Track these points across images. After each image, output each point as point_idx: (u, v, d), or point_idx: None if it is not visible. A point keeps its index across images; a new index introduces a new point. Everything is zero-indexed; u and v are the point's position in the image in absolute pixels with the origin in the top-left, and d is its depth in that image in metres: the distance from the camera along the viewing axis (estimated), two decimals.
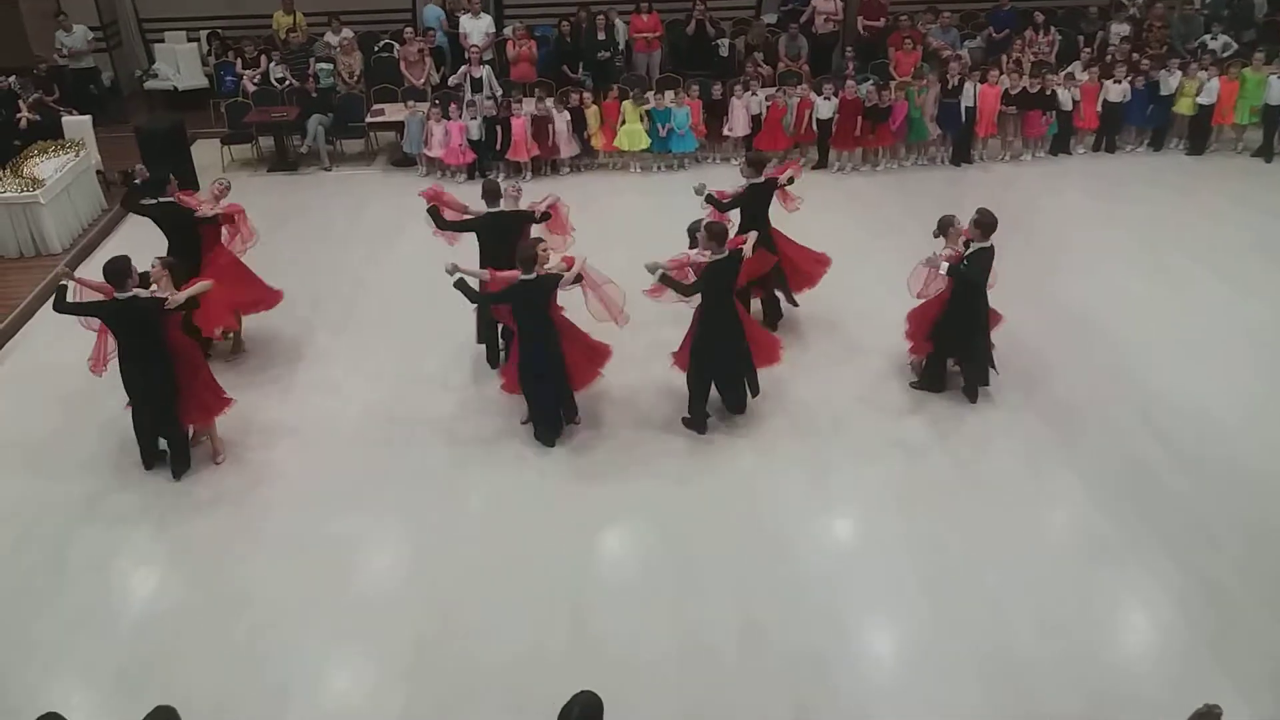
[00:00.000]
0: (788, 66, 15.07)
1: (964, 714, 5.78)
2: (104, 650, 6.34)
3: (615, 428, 8.33)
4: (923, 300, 8.40)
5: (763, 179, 9.04)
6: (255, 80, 15.00)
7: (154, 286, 7.64)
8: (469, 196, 9.41)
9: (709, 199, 8.73)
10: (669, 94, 13.85)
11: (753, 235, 8.18)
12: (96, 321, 7.69)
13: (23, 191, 11.40)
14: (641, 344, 8.97)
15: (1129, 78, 13.76)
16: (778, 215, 9.25)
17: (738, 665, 6.12)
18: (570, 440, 8.19)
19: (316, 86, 14.41)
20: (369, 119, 14.44)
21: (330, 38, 15.19)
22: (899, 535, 7.13)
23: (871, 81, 13.75)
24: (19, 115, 13.47)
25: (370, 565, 7.08)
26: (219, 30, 16.42)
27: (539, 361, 7.86)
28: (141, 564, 7.16)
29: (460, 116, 13.46)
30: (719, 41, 15.68)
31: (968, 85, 13.48)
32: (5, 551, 7.19)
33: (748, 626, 6.38)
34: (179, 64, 16.61)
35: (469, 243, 8.85)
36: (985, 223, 7.90)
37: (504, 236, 8.45)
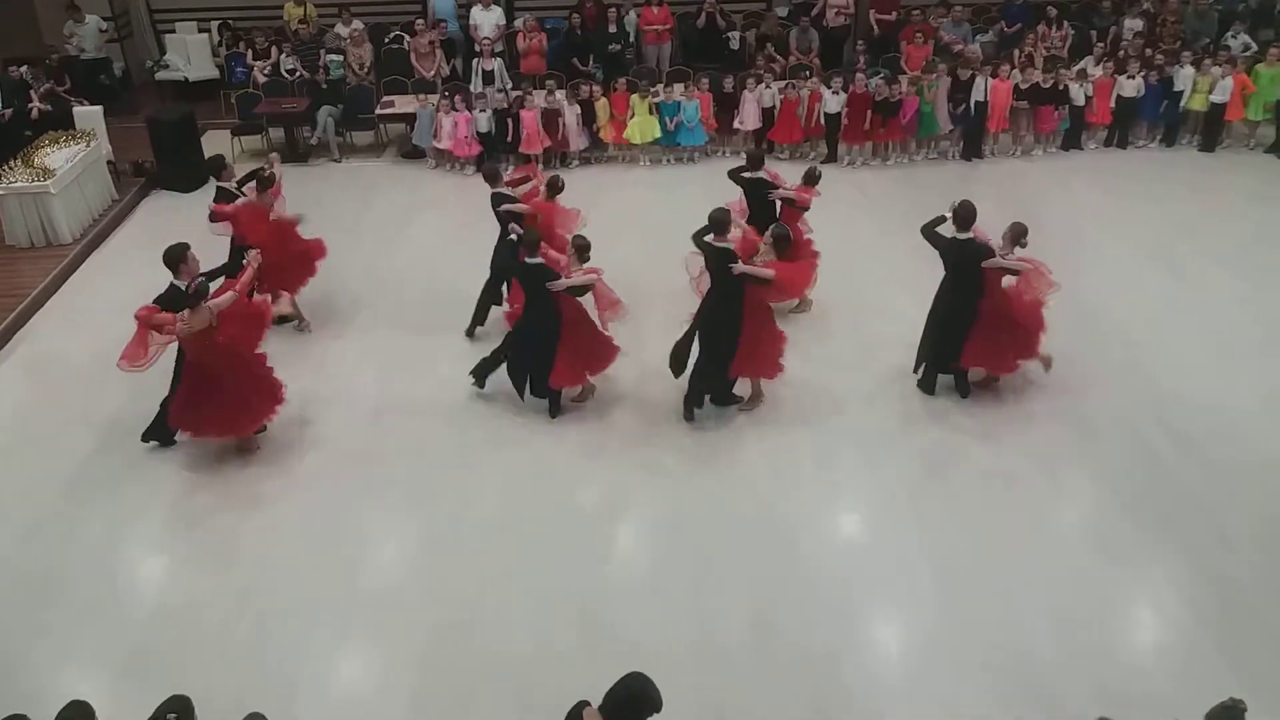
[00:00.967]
0: (799, 60, 15.03)
1: (976, 712, 5.77)
2: (113, 640, 6.36)
3: (627, 425, 8.32)
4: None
5: (762, 174, 9.13)
6: (266, 71, 14.99)
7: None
8: (477, 189, 9.40)
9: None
10: (678, 87, 13.81)
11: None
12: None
13: (34, 181, 11.41)
14: (654, 339, 8.95)
15: (1142, 73, 13.69)
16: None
17: (750, 662, 6.12)
18: (581, 436, 8.18)
19: (327, 78, 14.41)
20: (379, 111, 14.43)
21: (340, 29, 15.17)
22: (911, 533, 7.11)
23: (881, 75, 13.70)
24: (30, 105, 13.50)
25: (379, 558, 7.08)
26: (230, 21, 16.43)
27: (523, 334, 8.10)
28: (150, 554, 7.18)
29: (466, 108, 13.44)
30: (729, 34, 15.65)
31: (979, 80, 13.42)
32: (15, 541, 7.22)
33: (760, 623, 6.37)
34: (190, 55, 16.60)
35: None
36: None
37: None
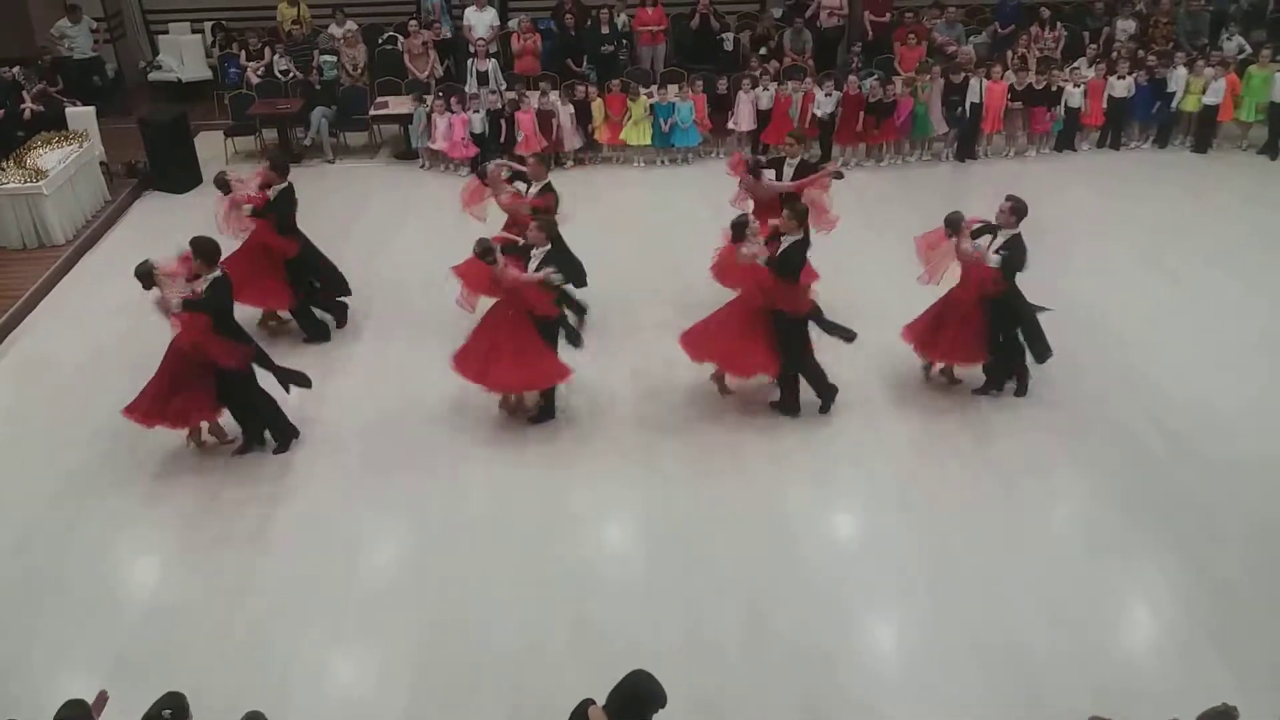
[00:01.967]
0: (793, 61, 15.04)
1: (970, 709, 5.78)
2: (107, 642, 6.34)
3: (620, 425, 8.32)
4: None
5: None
6: (259, 72, 14.96)
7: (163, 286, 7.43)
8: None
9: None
10: (673, 88, 13.83)
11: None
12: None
13: (26, 182, 11.38)
14: (648, 340, 8.96)
15: (1134, 74, 13.73)
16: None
17: (743, 660, 6.12)
18: (575, 437, 8.17)
19: (320, 79, 14.40)
20: (372, 112, 14.42)
21: (334, 30, 15.17)
22: (905, 531, 7.13)
23: (875, 77, 13.72)
24: (23, 106, 13.46)
25: (373, 559, 7.08)
26: (223, 22, 16.43)
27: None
28: (144, 556, 7.17)
29: (463, 109, 13.44)
30: (723, 36, 15.64)
31: (973, 81, 13.45)
32: (8, 543, 7.19)
33: (754, 622, 6.37)
34: (183, 55, 16.56)
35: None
36: (1019, 209, 7.88)
37: None
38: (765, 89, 13.65)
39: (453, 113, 13.42)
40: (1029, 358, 8.35)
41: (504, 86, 14.23)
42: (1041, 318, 8.27)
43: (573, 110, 13.58)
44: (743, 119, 13.72)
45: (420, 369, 8.95)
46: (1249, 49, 14.35)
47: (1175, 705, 5.53)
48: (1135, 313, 9.72)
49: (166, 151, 13.13)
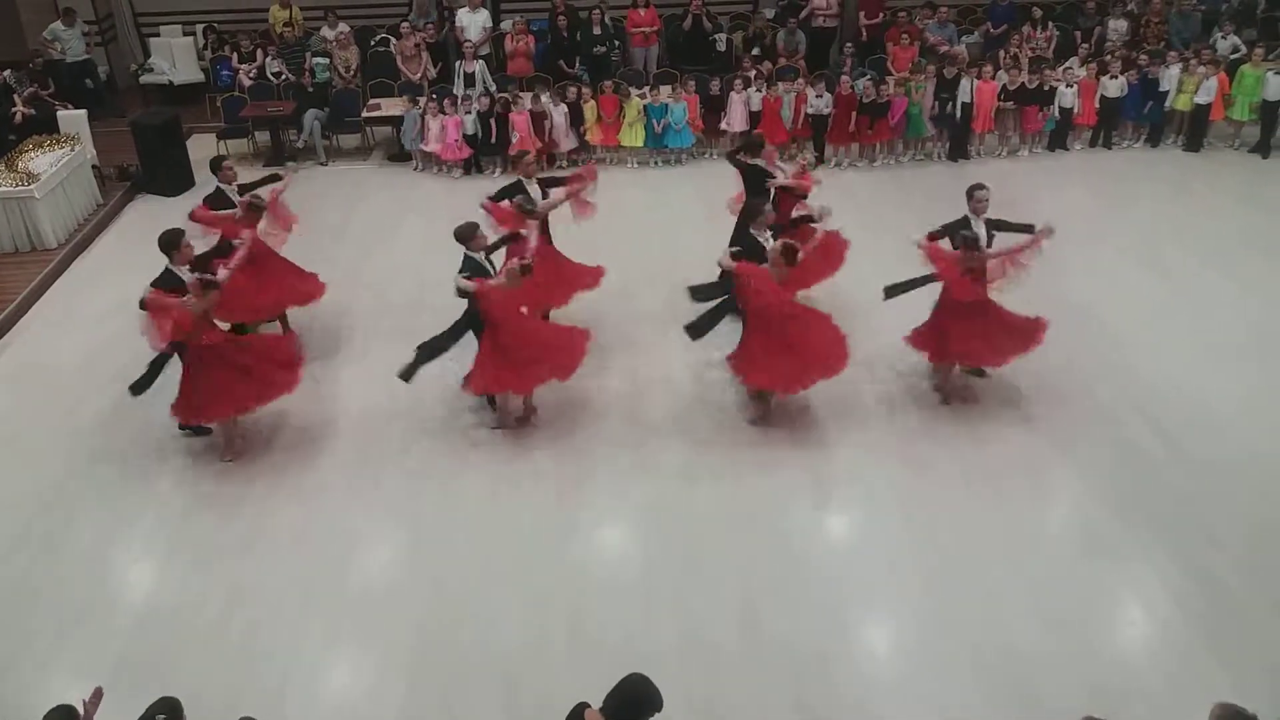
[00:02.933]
0: (786, 62, 15.04)
1: (964, 710, 5.78)
2: (101, 645, 6.33)
3: (617, 426, 8.31)
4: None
5: (760, 161, 9.13)
6: (251, 74, 14.95)
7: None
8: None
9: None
10: (665, 89, 13.83)
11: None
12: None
13: (17, 186, 11.35)
14: (644, 339, 8.96)
15: (1126, 74, 13.76)
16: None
17: (738, 660, 6.12)
18: (570, 438, 8.17)
19: (312, 81, 14.37)
20: (365, 114, 14.40)
21: (326, 32, 15.13)
22: (898, 532, 7.13)
23: (868, 77, 13.73)
24: (14, 110, 13.42)
25: (368, 560, 7.07)
26: (215, 24, 16.38)
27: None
28: (139, 559, 7.15)
29: (455, 111, 13.43)
30: (716, 36, 15.65)
31: (965, 81, 13.47)
32: (1, 547, 7.17)
33: (748, 622, 6.38)
34: (174, 58, 16.54)
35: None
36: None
37: None
38: (758, 90, 13.66)
39: (446, 115, 13.41)
40: None
41: (493, 89, 14.22)
42: (1035, 314, 8.27)
43: (566, 111, 13.57)
44: (735, 120, 13.72)
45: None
46: (1244, 48, 14.39)
47: (1170, 706, 5.57)
48: (1128, 312, 9.73)
49: (158, 154, 13.10)
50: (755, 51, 15.02)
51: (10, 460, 8.09)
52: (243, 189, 9.25)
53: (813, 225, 8.35)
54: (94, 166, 12.99)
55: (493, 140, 13.46)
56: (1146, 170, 13.49)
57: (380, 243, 11.68)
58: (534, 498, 7.54)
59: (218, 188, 9.28)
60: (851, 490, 7.61)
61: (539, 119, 13.43)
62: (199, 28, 16.52)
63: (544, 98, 13.50)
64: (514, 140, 13.33)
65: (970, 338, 8.04)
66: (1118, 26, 15.35)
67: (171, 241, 7.60)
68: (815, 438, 8.11)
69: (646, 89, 13.91)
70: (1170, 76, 13.72)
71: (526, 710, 5.79)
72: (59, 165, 11.90)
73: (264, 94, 14.62)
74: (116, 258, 11.29)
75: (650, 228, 11.50)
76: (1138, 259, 10.89)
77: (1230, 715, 4.28)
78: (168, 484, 7.76)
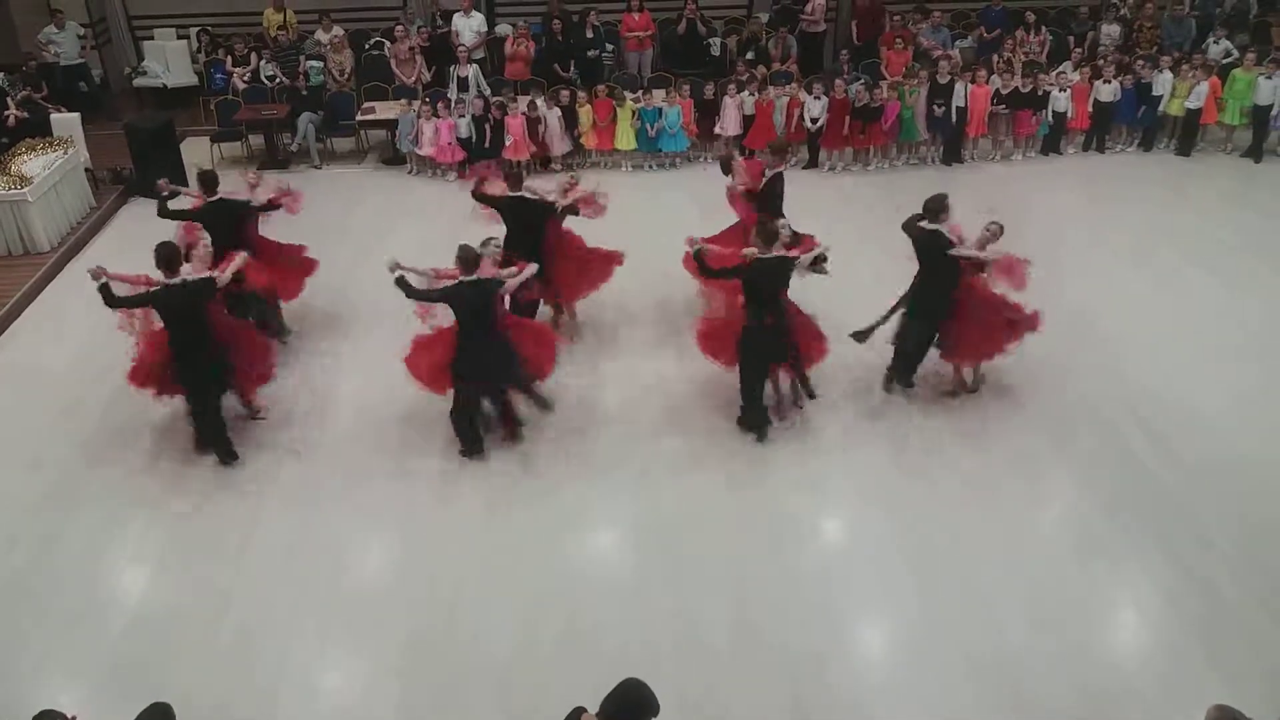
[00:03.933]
0: (779, 66, 15.06)
1: (957, 710, 5.79)
2: (94, 649, 6.31)
3: (609, 428, 8.32)
4: None
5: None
6: (245, 78, 14.94)
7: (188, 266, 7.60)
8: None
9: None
10: (659, 93, 13.85)
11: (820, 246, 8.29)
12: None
13: (10, 189, 11.32)
14: (638, 343, 8.95)
15: (1119, 78, 13.80)
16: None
17: (732, 662, 6.12)
18: (562, 440, 8.16)
19: (307, 84, 14.36)
20: (359, 117, 14.39)
21: (321, 35, 15.14)
22: (892, 533, 7.13)
23: (862, 81, 13.75)
24: (7, 113, 13.39)
25: (360, 564, 7.06)
26: (209, 28, 16.35)
27: (467, 364, 7.61)
28: (132, 563, 7.12)
29: (449, 114, 13.43)
30: (710, 41, 15.68)
31: (958, 85, 13.50)
32: None
33: (742, 624, 6.38)
34: (168, 61, 16.49)
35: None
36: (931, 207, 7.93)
37: (525, 224, 8.75)
38: (751, 94, 13.67)
39: (439, 118, 13.41)
40: None
41: (487, 92, 14.22)
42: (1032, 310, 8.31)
43: (559, 114, 13.58)
44: (729, 124, 13.74)
45: (404, 376, 8.91)
46: (1235, 53, 14.44)
47: (1163, 708, 5.57)
48: (1121, 315, 9.76)
49: (152, 158, 13.04)
50: (749, 56, 15.05)
51: (3, 464, 8.06)
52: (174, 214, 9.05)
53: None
54: (87, 170, 12.96)
55: (486, 145, 13.46)
56: (1140, 174, 13.53)
57: (374, 245, 11.62)
58: (526, 499, 7.53)
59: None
60: (845, 493, 7.61)
61: (533, 123, 13.43)
62: (193, 31, 16.48)
63: (539, 102, 13.50)
64: (508, 144, 13.34)
65: None
66: (1110, 31, 15.40)
67: (170, 259, 7.48)
68: (808, 440, 8.12)
69: (640, 93, 13.91)
70: (1163, 81, 13.77)
71: (520, 713, 5.78)
72: (52, 168, 11.87)
73: (258, 97, 14.61)
74: (110, 261, 11.07)
75: (644, 231, 11.49)
76: (1130, 262, 10.92)
77: (1225, 718, 4.29)
78: (160, 486, 7.74)
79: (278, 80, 14.79)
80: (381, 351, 9.37)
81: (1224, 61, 14.22)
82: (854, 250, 10.64)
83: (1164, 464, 7.72)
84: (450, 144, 13.44)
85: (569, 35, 15.21)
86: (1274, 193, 12.79)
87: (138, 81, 16.55)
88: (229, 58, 15.27)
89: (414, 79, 14.84)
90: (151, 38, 16.70)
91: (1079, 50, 15.00)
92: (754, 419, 8.08)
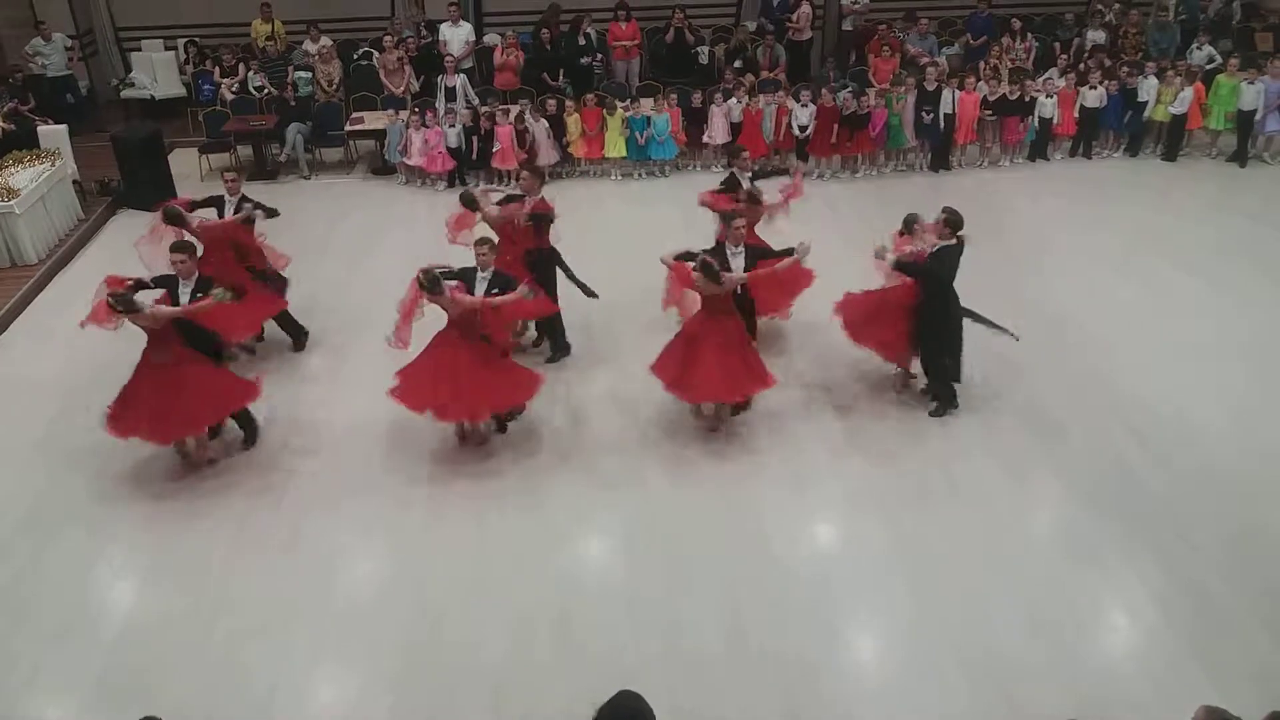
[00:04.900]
0: (767, 74, 15.12)
1: (950, 716, 5.79)
2: (86, 661, 6.27)
3: (600, 435, 8.32)
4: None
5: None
6: (233, 89, 14.94)
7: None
8: (449, 205, 9.40)
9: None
10: (648, 102, 13.88)
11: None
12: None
13: None
14: (628, 351, 8.96)
15: (1105, 84, 13.89)
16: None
17: (724, 669, 6.11)
18: (554, 448, 8.17)
19: (295, 95, 14.38)
20: (348, 127, 14.40)
21: (309, 46, 15.15)
22: (884, 540, 7.14)
23: (849, 89, 13.81)
24: None
25: (351, 575, 7.02)
26: (196, 39, 16.35)
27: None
28: (122, 573, 7.09)
29: (437, 123, 13.45)
30: (698, 49, 15.73)
31: (946, 92, 13.56)
32: None
33: (734, 630, 6.37)
34: (156, 72, 16.51)
35: None
36: (953, 220, 7.97)
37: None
38: (739, 101, 13.71)
39: (428, 127, 13.43)
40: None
41: (475, 102, 14.24)
42: (1016, 323, 8.32)
43: (546, 124, 13.59)
44: (717, 132, 13.78)
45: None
46: (1219, 59, 14.55)
47: (1155, 711, 5.58)
48: (1108, 320, 9.80)
49: (140, 169, 13.04)
50: (737, 64, 15.11)
51: None
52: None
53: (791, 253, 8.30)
54: (75, 181, 12.93)
55: (474, 158, 13.49)
56: (1126, 179, 13.62)
57: (364, 256, 11.66)
58: (518, 508, 7.52)
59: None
60: (836, 499, 7.62)
61: (521, 133, 13.45)
62: (180, 42, 16.48)
63: (526, 115, 13.49)
64: (495, 149, 13.37)
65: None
66: (1095, 37, 15.51)
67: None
68: (799, 446, 8.13)
69: (629, 101, 13.95)
70: (1149, 87, 13.87)
71: None
72: (39, 180, 11.83)
73: (246, 108, 14.61)
74: (98, 273, 11.00)
75: (633, 239, 11.51)
76: (1117, 267, 10.98)
77: (1214, 719, 4.30)
78: (150, 498, 7.71)
79: (266, 91, 14.80)
80: (372, 360, 9.36)
81: (1208, 67, 14.34)
82: (841, 257, 10.67)
83: (1152, 469, 7.75)
84: (439, 152, 13.44)
85: (561, 43, 15.24)
86: (1259, 197, 12.89)
87: (125, 93, 16.54)
88: (217, 68, 15.27)
89: (402, 89, 14.85)
90: (139, 49, 16.70)
91: (1065, 56, 15.11)
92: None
